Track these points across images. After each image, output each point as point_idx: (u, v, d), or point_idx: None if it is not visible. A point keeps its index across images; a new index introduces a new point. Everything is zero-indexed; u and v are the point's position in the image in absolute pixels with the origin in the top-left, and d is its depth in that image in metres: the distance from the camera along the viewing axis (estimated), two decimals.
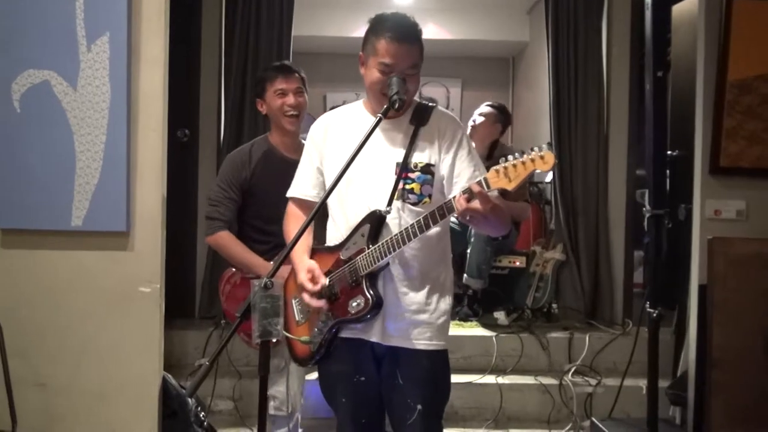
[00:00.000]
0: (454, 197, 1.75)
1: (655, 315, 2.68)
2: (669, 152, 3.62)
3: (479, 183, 1.69)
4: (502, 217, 1.80)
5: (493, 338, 3.65)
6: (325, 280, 1.93)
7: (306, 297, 1.94)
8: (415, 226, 1.81)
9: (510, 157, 1.67)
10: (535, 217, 4.66)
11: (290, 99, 2.65)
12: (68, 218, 2.64)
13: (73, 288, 2.67)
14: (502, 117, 4.16)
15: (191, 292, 4.06)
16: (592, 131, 4.19)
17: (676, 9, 3.81)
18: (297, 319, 2.07)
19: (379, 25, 1.94)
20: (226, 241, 2.65)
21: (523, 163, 1.65)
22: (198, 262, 4.12)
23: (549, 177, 4.56)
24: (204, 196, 4.14)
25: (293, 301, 2.08)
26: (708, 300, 2.65)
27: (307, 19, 5.40)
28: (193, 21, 4.04)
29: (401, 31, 1.91)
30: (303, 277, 1.93)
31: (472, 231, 3.83)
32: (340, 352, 2.01)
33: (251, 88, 4.14)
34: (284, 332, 2.01)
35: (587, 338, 3.70)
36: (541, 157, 1.64)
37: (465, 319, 3.95)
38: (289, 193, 2.14)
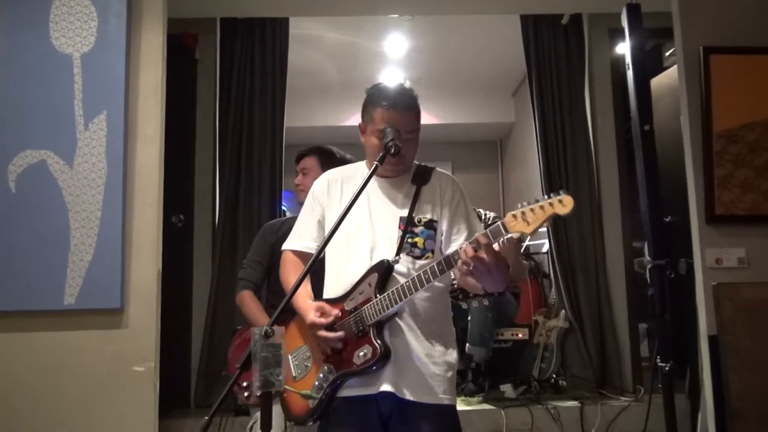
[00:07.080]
0: (461, 247, 1.73)
1: (667, 369, 2.60)
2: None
3: (487, 233, 1.70)
4: (503, 270, 1.77)
5: (502, 411, 3.51)
6: (336, 311, 1.90)
7: (322, 333, 1.88)
8: (428, 272, 1.80)
9: (525, 203, 1.68)
10: (534, 291, 4.60)
11: (299, 178, 2.90)
12: (61, 297, 2.60)
13: (65, 371, 2.59)
14: None
15: (186, 380, 3.92)
16: (584, 200, 4.22)
17: (655, 82, 3.94)
18: (294, 374, 1.99)
19: (375, 95, 1.99)
20: (245, 300, 2.74)
21: (542, 207, 1.66)
22: (193, 349, 4.01)
23: (545, 248, 4.55)
24: (200, 282, 4.13)
25: (289, 357, 2.02)
26: (721, 348, 2.58)
27: (299, 110, 5.55)
28: (187, 108, 4.13)
29: (397, 100, 1.95)
30: (313, 316, 1.89)
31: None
32: (345, 414, 1.91)
33: (245, 175, 4.21)
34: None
35: (599, 408, 3.57)
36: (560, 201, 1.64)
37: (471, 394, 3.82)
38: (288, 246, 2.11)
